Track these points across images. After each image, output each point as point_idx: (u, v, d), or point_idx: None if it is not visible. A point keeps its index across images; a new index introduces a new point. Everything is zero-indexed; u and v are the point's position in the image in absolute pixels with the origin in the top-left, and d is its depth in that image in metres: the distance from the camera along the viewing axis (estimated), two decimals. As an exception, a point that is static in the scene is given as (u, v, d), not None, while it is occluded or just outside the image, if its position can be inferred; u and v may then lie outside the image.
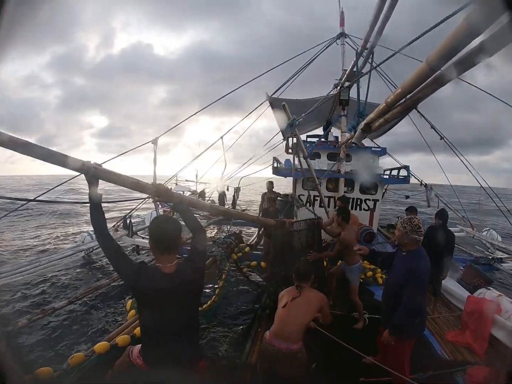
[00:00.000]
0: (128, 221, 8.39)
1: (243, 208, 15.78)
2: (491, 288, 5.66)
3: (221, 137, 7.68)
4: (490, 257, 7.72)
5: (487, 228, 11.31)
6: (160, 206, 9.84)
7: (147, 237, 7.17)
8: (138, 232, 8.33)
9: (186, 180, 21.15)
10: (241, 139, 9.44)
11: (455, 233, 5.87)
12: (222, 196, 15.87)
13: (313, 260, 4.73)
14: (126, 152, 6.99)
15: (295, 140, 5.51)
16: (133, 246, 8.41)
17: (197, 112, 8.29)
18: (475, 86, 6.52)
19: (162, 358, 2.13)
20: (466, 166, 7.95)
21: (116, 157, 6.32)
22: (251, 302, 6.50)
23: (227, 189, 11.90)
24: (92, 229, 2.16)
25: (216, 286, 5.68)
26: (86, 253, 8.54)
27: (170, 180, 8.49)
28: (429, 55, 2.01)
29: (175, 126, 7.96)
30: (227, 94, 8.75)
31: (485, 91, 6.41)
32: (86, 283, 7.66)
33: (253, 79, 8.92)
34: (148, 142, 6.52)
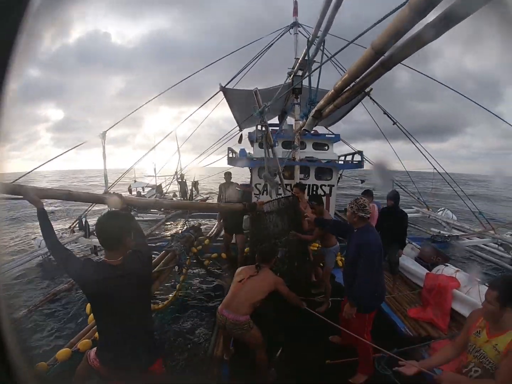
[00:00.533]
0: (84, 221, 8.04)
1: (205, 198, 15.51)
2: (448, 264, 5.95)
3: (175, 129, 7.59)
4: (447, 235, 8.13)
5: (442, 208, 11.89)
6: None
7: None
8: (95, 232, 7.88)
9: (144, 175, 20.56)
10: (200, 130, 9.33)
11: (411, 214, 6.09)
12: (183, 187, 15.33)
13: (297, 243, 4.85)
14: (75, 147, 6.74)
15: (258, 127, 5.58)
16: (91, 247, 8.05)
17: (149, 101, 8.12)
18: (419, 72, 6.82)
19: (116, 358, 2.13)
20: (421, 151, 8.37)
21: (64, 152, 6.08)
22: (213, 294, 6.48)
23: (183, 179, 11.70)
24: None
25: (177, 281, 5.59)
26: (44, 257, 8.02)
27: (123, 176, 8.23)
28: (373, 39, 2.05)
29: (126, 117, 7.75)
30: (180, 81, 8.63)
31: (431, 77, 6.74)
32: (46, 289, 7.25)
33: (206, 66, 8.88)
34: (97, 136, 6.30)
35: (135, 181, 18.47)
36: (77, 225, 8.21)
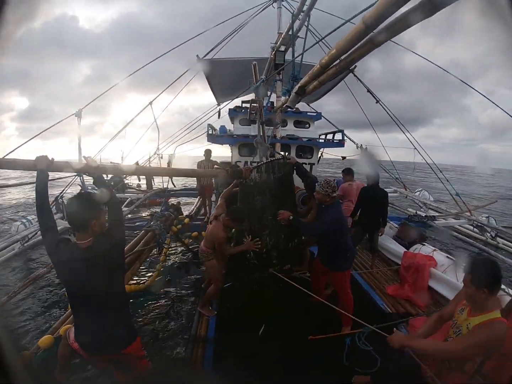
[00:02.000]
0: (60, 202, 7.79)
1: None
2: (425, 243, 6.10)
3: (150, 103, 7.38)
4: (423, 215, 8.29)
5: (420, 189, 12.11)
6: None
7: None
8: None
9: (111, 162, 19.84)
10: (171, 118, 9.09)
11: (389, 194, 6.15)
12: (149, 179, 15.12)
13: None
14: (47, 129, 6.49)
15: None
16: (68, 229, 7.77)
17: (113, 86, 7.82)
18: (406, 48, 6.79)
19: (92, 341, 2.16)
20: (407, 137, 8.46)
21: (35, 136, 5.86)
22: (194, 274, 6.45)
23: (161, 157, 11.36)
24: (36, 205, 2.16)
25: (157, 261, 5.54)
26: (22, 243, 7.71)
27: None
28: (365, 14, 1.98)
29: (98, 97, 7.47)
30: (150, 62, 8.38)
31: (429, 60, 6.73)
32: (25, 275, 7.00)
33: (178, 46, 8.57)
34: (72, 115, 6.07)
35: None
36: (54, 207, 7.82)
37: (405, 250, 5.92)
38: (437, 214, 8.85)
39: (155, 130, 7.30)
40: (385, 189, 6.10)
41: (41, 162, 2.24)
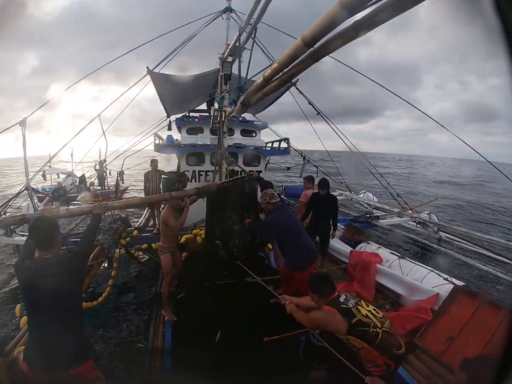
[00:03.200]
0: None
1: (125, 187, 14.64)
2: (370, 242, 6.41)
3: (98, 115, 7.21)
4: (368, 216, 8.71)
5: (364, 191, 12.65)
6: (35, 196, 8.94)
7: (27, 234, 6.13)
8: (17, 230, 6.88)
9: (60, 161, 18.76)
10: (119, 111, 8.87)
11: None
12: (101, 177, 14.52)
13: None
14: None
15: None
16: (13, 246, 7.15)
17: (69, 87, 7.58)
18: (346, 65, 7.18)
19: (43, 359, 2.15)
20: (340, 136, 8.85)
21: None
22: (147, 286, 6.34)
23: (109, 173, 11.04)
24: None
25: (108, 276, 5.37)
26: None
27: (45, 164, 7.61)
28: (304, 33, 2.11)
29: (47, 102, 7.18)
30: (106, 64, 8.19)
31: (355, 70, 7.14)
32: None
33: (133, 49, 8.46)
34: (15, 124, 5.76)
35: (49, 166, 16.78)
36: None
37: (352, 249, 6.21)
38: (381, 213, 9.34)
39: (104, 123, 7.27)
40: (331, 193, 6.38)
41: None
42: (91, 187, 13.91)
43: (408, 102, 6.98)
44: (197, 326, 4.00)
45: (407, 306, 4.41)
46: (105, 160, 10.75)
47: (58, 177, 15.98)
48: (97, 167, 14.24)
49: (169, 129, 9.05)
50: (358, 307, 2.71)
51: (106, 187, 14.31)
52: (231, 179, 5.35)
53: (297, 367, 3.29)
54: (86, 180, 14.30)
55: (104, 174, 14.04)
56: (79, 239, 2.71)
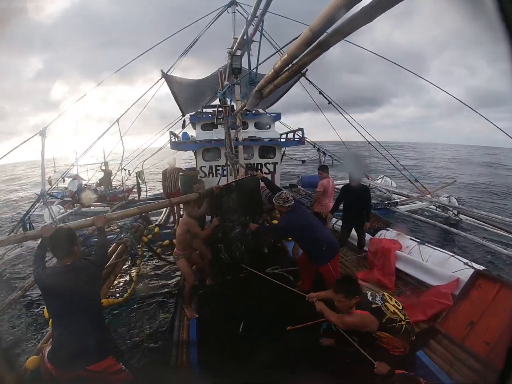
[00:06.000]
0: (28, 224, 7.47)
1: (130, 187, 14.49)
2: (389, 229, 6.37)
3: (117, 120, 7.38)
4: (386, 202, 8.64)
5: (381, 176, 12.53)
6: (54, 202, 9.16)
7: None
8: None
9: (65, 165, 18.63)
10: (130, 110, 9.03)
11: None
12: (107, 177, 14.50)
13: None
14: (12, 150, 6.36)
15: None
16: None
17: (81, 97, 7.76)
18: (360, 46, 7.08)
19: (66, 356, 2.29)
20: (352, 125, 8.74)
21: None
22: (170, 281, 6.48)
23: (129, 174, 11.16)
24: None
25: (132, 272, 5.52)
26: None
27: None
28: (311, 22, 2.11)
29: (63, 112, 7.41)
30: (118, 70, 8.34)
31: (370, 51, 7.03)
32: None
33: (144, 53, 8.56)
34: (36, 134, 5.98)
35: (54, 171, 16.67)
36: (20, 229, 7.47)
37: (371, 236, 6.18)
38: (399, 199, 9.25)
39: (112, 123, 7.43)
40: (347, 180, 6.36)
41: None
42: (97, 189, 13.90)
43: (429, 80, 6.84)
44: (220, 318, 4.08)
45: (427, 291, 4.39)
46: (121, 163, 10.92)
47: (64, 181, 15.95)
48: (103, 168, 14.39)
49: (183, 127, 9.18)
50: (386, 303, 2.84)
51: (113, 187, 14.33)
52: (233, 181, 5.29)
53: (319, 352, 3.37)
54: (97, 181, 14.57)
55: (111, 176, 14.25)
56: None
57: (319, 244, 4.08)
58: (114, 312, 4.92)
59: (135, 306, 5.41)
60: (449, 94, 6.98)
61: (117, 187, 14.05)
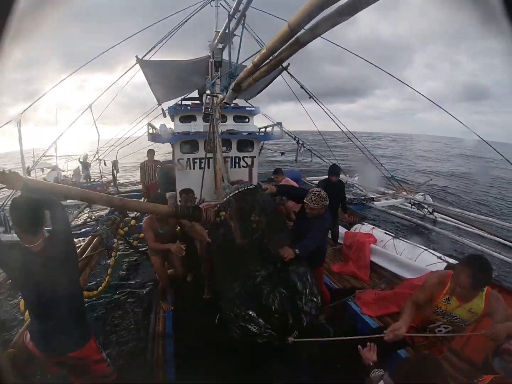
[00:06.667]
0: (2, 215, 6.99)
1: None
2: (365, 223, 6.53)
3: (90, 106, 7.24)
4: (362, 197, 8.82)
5: (358, 174, 12.76)
6: None
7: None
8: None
9: (44, 156, 18.03)
10: (105, 98, 8.84)
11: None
12: (83, 165, 14.13)
13: None
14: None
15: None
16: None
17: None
18: (337, 44, 7.16)
19: (47, 343, 2.21)
20: (330, 117, 8.82)
21: None
22: (146, 273, 6.44)
23: (104, 164, 10.95)
24: None
25: (107, 266, 5.46)
26: None
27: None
28: (290, 18, 2.14)
29: (40, 97, 7.17)
30: (96, 57, 8.15)
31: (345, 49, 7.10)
32: None
33: (124, 40, 8.40)
34: (10, 121, 5.82)
35: (33, 162, 16.15)
36: None
37: (346, 230, 6.31)
38: (376, 195, 9.44)
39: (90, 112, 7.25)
40: (325, 176, 6.46)
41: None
42: (76, 181, 13.56)
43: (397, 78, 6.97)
44: (196, 310, 4.11)
45: (401, 284, 4.52)
46: (97, 152, 10.69)
47: (43, 172, 15.50)
48: (81, 160, 14.12)
49: (164, 116, 9.08)
50: None
51: (92, 180, 14.00)
52: (231, 195, 3.55)
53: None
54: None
55: (89, 167, 13.93)
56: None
57: (324, 245, 4.09)
58: (89, 305, 4.86)
59: (110, 299, 5.38)
60: (415, 90, 7.13)
61: (97, 180, 13.74)
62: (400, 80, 7.27)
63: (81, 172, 14.44)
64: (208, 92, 5.87)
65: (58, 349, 2.24)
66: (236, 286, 3.04)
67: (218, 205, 3.39)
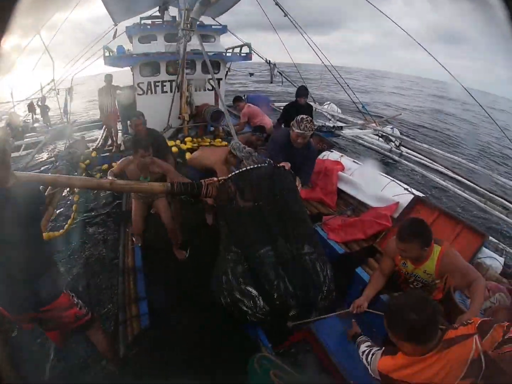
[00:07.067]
0: None
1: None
2: (333, 150, 6.49)
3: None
4: (331, 126, 8.70)
5: (328, 102, 12.48)
6: None
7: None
8: None
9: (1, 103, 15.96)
10: (64, 37, 7.89)
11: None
12: (44, 112, 12.87)
13: None
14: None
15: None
16: None
17: None
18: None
19: (13, 296, 2.03)
20: (310, 45, 8.32)
21: None
22: (112, 205, 6.39)
23: (58, 92, 9.89)
24: None
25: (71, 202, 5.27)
26: None
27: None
28: None
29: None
30: None
31: None
32: None
33: None
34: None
35: None
36: None
37: (315, 157, 6.30)
38: (345, 125, 9.35)
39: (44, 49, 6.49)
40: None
41: None
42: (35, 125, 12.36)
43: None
44: (166, 241, 4.00)
45: (367, 212, 4.60)
46: (53, 80, 9.63)
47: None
48: (40, 103, 12.75)
49: (114, 37, 8.23)
50: None
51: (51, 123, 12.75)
52: (244, 169, 2.85)
53: None
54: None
55: (47, 111, 12.77)
56: None
57: None
58: (56, 244, 4.73)
59: (77, 236, 5.25)
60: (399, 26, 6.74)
61: (57, 122, 12.53)
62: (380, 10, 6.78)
63: (40, 116, 13.15)
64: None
65: (31, 304, 2.11)
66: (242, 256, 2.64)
67: (222, 180, 2.84)
